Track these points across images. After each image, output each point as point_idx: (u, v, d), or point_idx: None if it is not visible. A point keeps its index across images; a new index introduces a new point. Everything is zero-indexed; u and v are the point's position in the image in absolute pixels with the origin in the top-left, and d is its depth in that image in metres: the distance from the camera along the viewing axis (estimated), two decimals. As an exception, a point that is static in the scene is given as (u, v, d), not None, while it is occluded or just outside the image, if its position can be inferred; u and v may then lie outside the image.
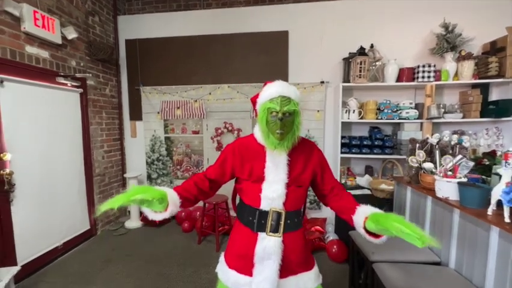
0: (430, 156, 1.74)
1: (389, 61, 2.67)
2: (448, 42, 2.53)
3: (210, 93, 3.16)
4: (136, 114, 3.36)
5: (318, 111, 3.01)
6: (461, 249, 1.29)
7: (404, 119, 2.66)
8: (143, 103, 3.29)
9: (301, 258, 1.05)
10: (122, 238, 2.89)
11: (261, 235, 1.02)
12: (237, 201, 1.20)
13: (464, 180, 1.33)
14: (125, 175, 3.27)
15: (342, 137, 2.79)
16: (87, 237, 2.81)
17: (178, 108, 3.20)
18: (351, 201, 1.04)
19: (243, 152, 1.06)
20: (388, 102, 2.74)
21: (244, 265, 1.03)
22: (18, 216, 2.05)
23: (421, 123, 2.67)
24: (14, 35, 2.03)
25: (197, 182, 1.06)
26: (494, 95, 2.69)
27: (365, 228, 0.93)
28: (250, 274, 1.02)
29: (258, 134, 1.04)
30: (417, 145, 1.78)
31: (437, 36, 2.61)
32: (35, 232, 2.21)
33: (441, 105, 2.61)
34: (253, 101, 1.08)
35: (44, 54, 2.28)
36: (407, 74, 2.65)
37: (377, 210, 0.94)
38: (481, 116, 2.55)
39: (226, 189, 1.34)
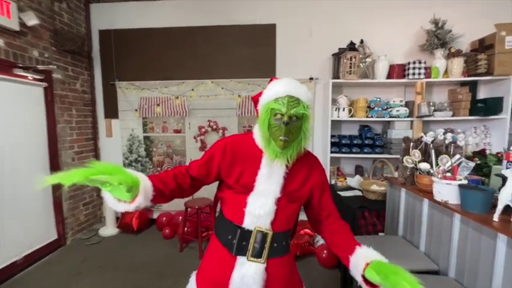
0: (424, 155, 1.65)
1: (379, 57, 2.58)
2: (438, 38, 2.48)
3: (192, 89, 2.95)
4: (112, 111, 3.09)
5: (307, 109, 2.87)
6: (462, 258, 1.19)
7: (395, 117, 2.58)
8: (120, 100, 3.03)
9: None
10: (95, 247, 2.63)
11: (240, 260, 0.84)
12: (218, 212, 1.02)
13: (465, 182, 1.23)
14: (99, 178, 2.99)
15: (332, 136, 2.68)
16: (54, 248, 2.53)
17: (158, 105, 2.97)
18: (350, 237, 0.87)
19: (236, 152, 0.88)
20: (378, 99, 2.65)
21: None
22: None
23: (411, 122, 2.61)
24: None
25: (177, 175, 0.87)
26: (482, 93, 2.68)
27: (363, 275, 0.75)
28: None
29: (258, 137, 0.87)
30: (412, 144, 1.68)
31: (427, 32, 2.55)
32: (-12, 246, 1.93)
33: (431, 103, 2.55)
34: (255, 100, 0.90)
35: (-2, 41, 2.00)
36: (397, 71, 2.58)
37: (380, 256, 0.77)
38: (470, 114, 2.52)
39: (211, 192, 1.16)
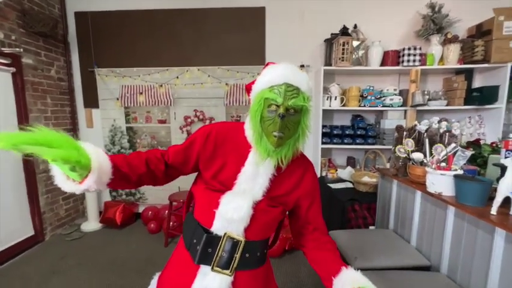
0: (418, 145, 1.55)
1: (373, 43, 2.45)
2: (435, 23, 2.36)
3: (177, 77, 2.78)
4: (92, 100, 2.90)
5: (297, 98, 2.75)
6: (455, 253, 1.11)
7: (388, 106, 2.49)
8: (99, 88, 2.84)
9: None
10: (75, 243, 2.50)
11: (204, 269, 0.72)
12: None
13: (461, 172, 1.14)
14: (79, 171, 2.84)
15: (323, 126, 2.57)
16: (30, 244, 2.39)
17: (141, 93, 2.80)
18: (336, 256, 0.77)
19: (220, 142, 0.76)
20: (371, 88, 2.54)
21: None
22: None
23: (405, 111, 2.52)
24: None
25: (150, 160, 0.74)
26: (478, 82, 2.59)
27: None
28: None
29: (249, 131, 0.74)
30: (405, 133, 1.59)
31: (424, 17, 2.43)
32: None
33: (425, 92, 2.46)
34: (248, 88, 0.77)
35: (-47, 20, 1.79)
36: (391, 58, 2.46)
37: (369, 283, 0.68)
38: (465, 104, 2.44)
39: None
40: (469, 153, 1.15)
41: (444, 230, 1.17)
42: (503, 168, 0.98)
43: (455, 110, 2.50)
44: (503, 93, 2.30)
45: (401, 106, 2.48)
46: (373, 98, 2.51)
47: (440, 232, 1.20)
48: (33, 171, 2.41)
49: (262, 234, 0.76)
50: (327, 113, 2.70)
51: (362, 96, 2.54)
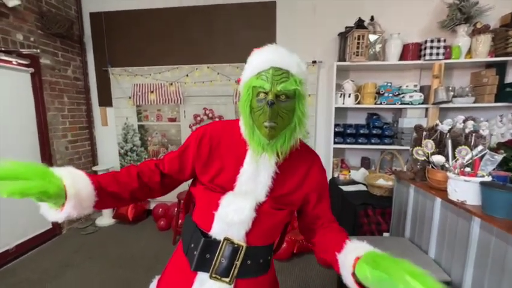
0: (439, 147, 1.41)
1: (391, 36, 2.29)
2: (462, 12, 2.15)
3: (187, 75, 2.78)
4: (106, 99, 2.98)
5: (309, 95, 2.64)
6: (481, 270, 0.98)
7: (407, 104, 2.31)
8: (113, 87, 2.91)
9: None
10: (89, 238, 2.59)
11: (201, 276, 0.67)
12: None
13: (488, 179, 1.01)
14: (93, 168, 2.94)
15: (336, 125, 2.45)
16: (49, 237, 2.51)
17: (152, 92, 2.83)
18: (342, 235, 0.69)
19: (215, 143, 0.71)
20: (389, 84, 2.38)
21: None
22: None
23: (426, 109, 2.33)
24: None
25: (143, 173, 0.71)
26: (511, 76, 2.34)
27: (354, 274, 0.57)
28: None
29: (242, 127, 0.69)
30: (424, 133, 1.45)
31: (449, 5, 2.22)
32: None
33: (450, 88, 2.26)
34: (240, 82, 0.71)
35: (-24, 23, 1.89)
36: (412, 51, 2.28)
37: (374, 248, 0.59)
38: (496, 101, 2.21)
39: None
40: (499, 157, 1.01)
41: (468, 243, 1.04)
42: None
43: (484, 107, 2.27)
44: (542, 89, 2.06)
45: (422, 104, 2.30)
46: (391, 95, 2.34)
47: (463, 245, 1.07)
48: (51, 165, 2.51)
49: (265, 239, 0.70)
50: (341, 111, 2.57)
51: (378, 93, 2.38)
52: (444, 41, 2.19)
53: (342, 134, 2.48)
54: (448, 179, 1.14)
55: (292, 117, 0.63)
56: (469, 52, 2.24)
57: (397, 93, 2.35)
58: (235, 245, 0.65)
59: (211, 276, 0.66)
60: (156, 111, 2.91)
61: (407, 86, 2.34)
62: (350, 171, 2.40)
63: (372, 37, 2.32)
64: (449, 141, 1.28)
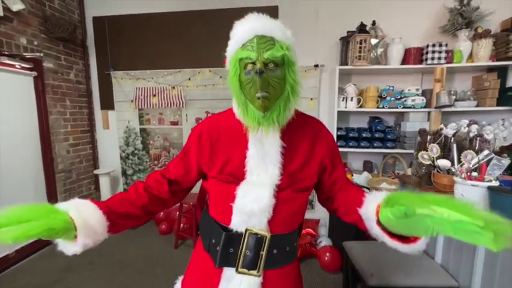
0: (444, 151, 1.41)
1: (393, 40, 2.30)
2: (463, 17, 2.16)
3: (189, 79, 2.78)
4: (108, 102, 2.98)
5: (311, 99, 2.65)
6: (490, 275, 0.98)
7: (409, 107, 2.32)
8: (115, 90, 2.91)
9: None
10: (90, 242, 2.57)
11: (228, 272, 0.64)
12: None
13: (496, 184, 1.00)
14: (95, 171, 2.92)
15: (338, 129, 2.45)
16: (49, 242, 2.47)
17: (154, 95, 2.83)
18: (360, 192, 0.67)
19: (215, 137, 0.69)
20: (391, 88, 2.39)
21: None
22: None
23: (428, 113, 2.33)
24: None
25: (150, 186, 0.70)
26: (512, 80, 2.35)
27: (379, 222, 0.54)
28: None
29: (235, 107, 0.67)
30: (429, 137, 1.45)
31: (450, 10, 2.24)
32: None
33: (452, 92, 2.27)
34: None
35: (-20, 27, 1.90)
36: (414, 55, 2.29)
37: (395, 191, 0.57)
38: (497, 104, 2.21)
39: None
40: (506, 161, 1.01)
41: (475, 248, 1.04)
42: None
43: (486, 111, 2.28)
44: (544, 93, 2.06)
45: (424, 107, 2.31)
46: (393, 98, 2.35)
47: (471, 249, 1.06)
48: (52, 171, 2.50)
49: (289, 225, 0.67)
50: (343, 115, 2.57)
51: (380, 97, 2.39)
52: (446, 45, 2.20)
53: (345, 137, 2.48)
54: (454, 184, 1.13)
55: (284, 86, 0.61)
56: (471, 56, 2.26)
57: (399, 97, 2.36)
58: (259, 235, 0.63)
59: (237, 271, 0.63)
60: (158, 114, 2.91)
61: (409, 90, 2.35)
62: (352, 175, 2.39)
63: (374, 41, 2.34)
64: (454, 146, 1.28)
